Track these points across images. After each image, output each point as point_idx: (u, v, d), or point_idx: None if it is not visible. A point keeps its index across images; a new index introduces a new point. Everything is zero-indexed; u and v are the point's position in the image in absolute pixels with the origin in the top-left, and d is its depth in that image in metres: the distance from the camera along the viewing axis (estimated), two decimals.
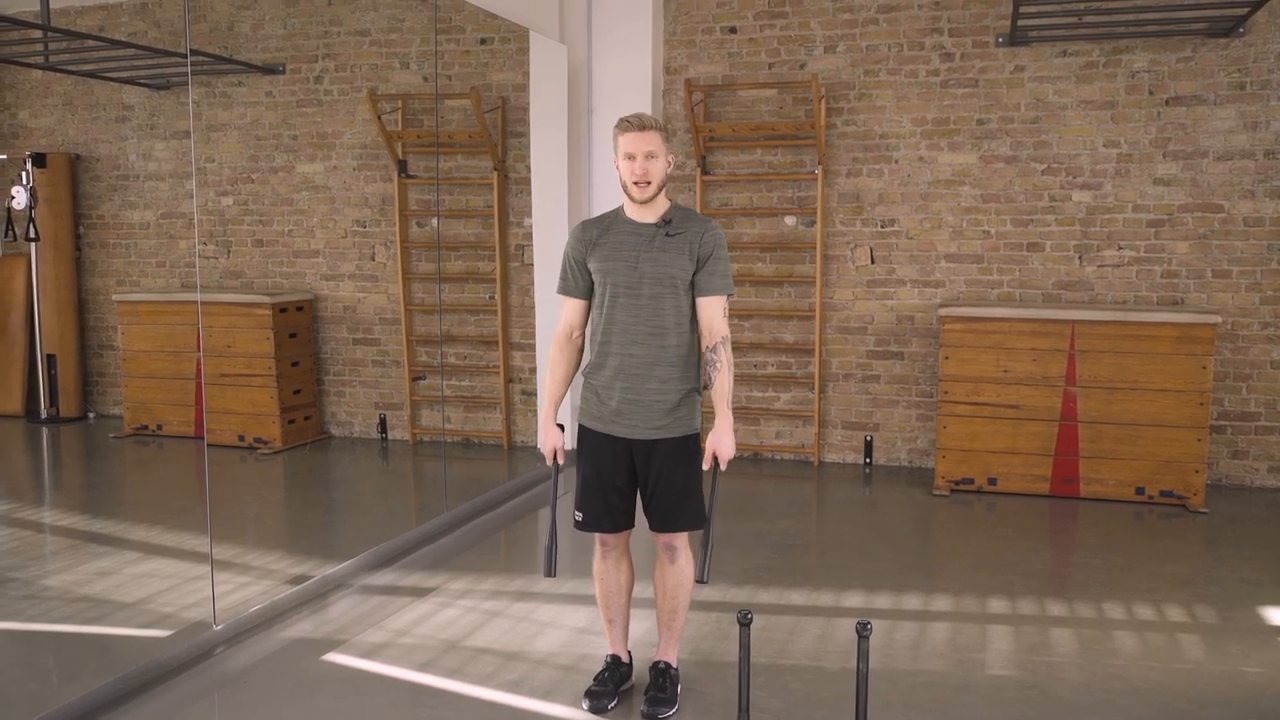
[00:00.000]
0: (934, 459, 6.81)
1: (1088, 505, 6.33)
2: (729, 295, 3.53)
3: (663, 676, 3.71)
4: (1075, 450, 6.38)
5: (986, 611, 4.62)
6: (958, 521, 6.15)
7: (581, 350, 3.67)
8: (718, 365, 3.45)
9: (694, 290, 3.51)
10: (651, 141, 3.44)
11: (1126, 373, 6.26)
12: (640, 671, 3.89)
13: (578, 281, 3.60)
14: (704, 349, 3.52)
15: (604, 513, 3.63)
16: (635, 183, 3.45)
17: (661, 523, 3.61)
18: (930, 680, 3.92)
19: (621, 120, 3.50)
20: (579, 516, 3.66)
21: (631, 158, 3.44)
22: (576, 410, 3.73)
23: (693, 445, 3.63)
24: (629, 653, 3.88)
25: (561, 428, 3.62)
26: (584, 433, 3.66)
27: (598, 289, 3.55)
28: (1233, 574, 5.13)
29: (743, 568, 5.18)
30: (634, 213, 3.53)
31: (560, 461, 3.63)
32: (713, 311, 3.49)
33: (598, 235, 3.55)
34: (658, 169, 3.45)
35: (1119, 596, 4.78)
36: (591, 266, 3.55)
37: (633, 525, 3.70)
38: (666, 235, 3.48)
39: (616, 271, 3.49)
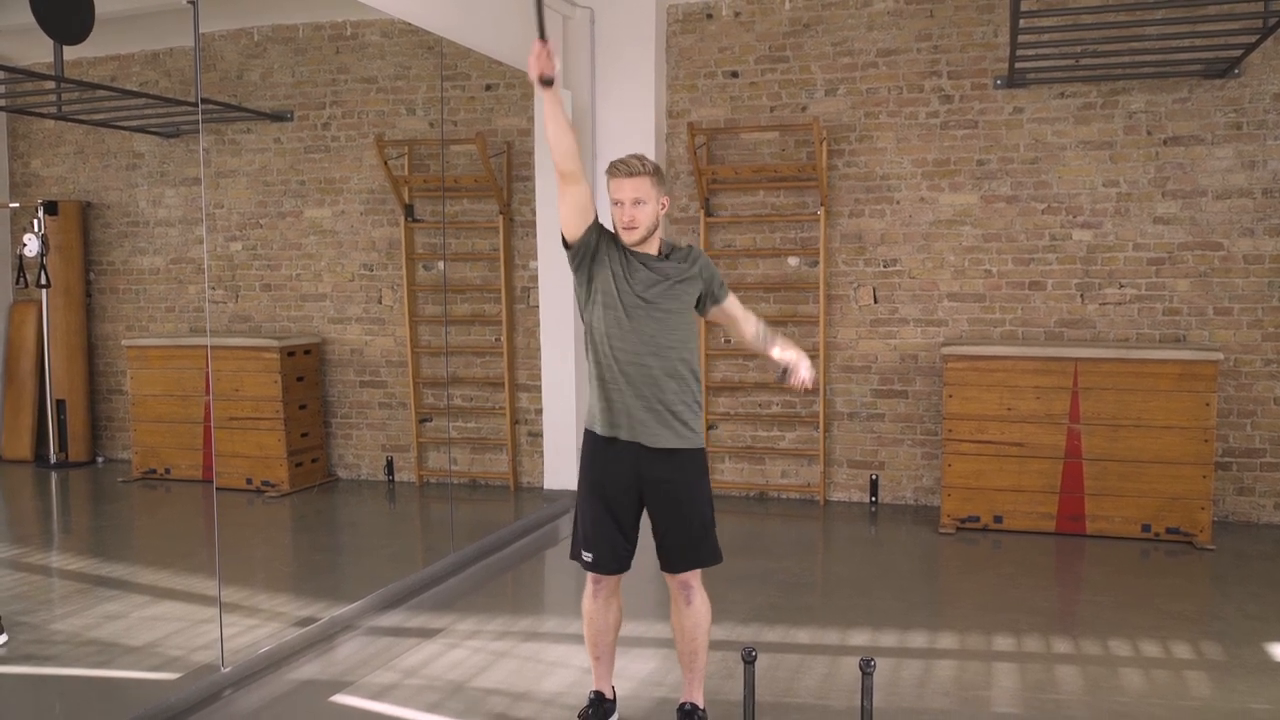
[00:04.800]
0: (939, 497, 6.83)
1: (1094, 542, 6.32)
2: None
3: (689, 718, 3.72)
4: (1081, 487, 6.38)
5: (992, 649, 4.62)
6: (963, 559, 6.15)
7: (572, 140, 3.42)
8: (770, 331, 3.75)
9: (709, 303, 3.65)
10: (639, 188, 3.43)
11: (1130, 410, 6.28)
12: (645, 710, 3.90)
13: (591, 228, 3.50)
14: (752, 329, 3.74)
15: (610, 555, 3.61)
16: (624, 228, 3.47)
17: (680, 560, 3.59)
18: (936, 719, 3.92)
19: (611, 165, 3.50)
20: (589, 558, 3.62)
21: (619, 204, 3.45)
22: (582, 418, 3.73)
23: (704, 468, 3.64)
24: (613, 689, 3.91)
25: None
26: (590, 443, 3.63)
27: (604, 295, 3.48)
28: (1240, 611, 5.12)
29: (749, 606, 5.18)
30: (632, 248, 3.54)
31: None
32: (737, 306, 3.76)
33: (611, 241, 3.54)
34: (644, 215, 3.45)
35: (1125, 634, 4.77)
36: (599, 270, 3.50)
37: (628, 568, 3.69)
38: (675, 263, 3.54)
39: (636, 297, 3.46)
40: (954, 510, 6.60)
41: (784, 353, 3.62)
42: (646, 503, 3.60)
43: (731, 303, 3.72)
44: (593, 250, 3.52)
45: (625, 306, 3.47)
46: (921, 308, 7.16)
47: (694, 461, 3.59)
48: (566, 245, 3.55)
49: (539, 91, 3.36)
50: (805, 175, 7.24)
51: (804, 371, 3.57)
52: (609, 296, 3.48)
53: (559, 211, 3.54)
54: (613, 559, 3.62)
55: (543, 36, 3.28)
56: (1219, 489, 6.62)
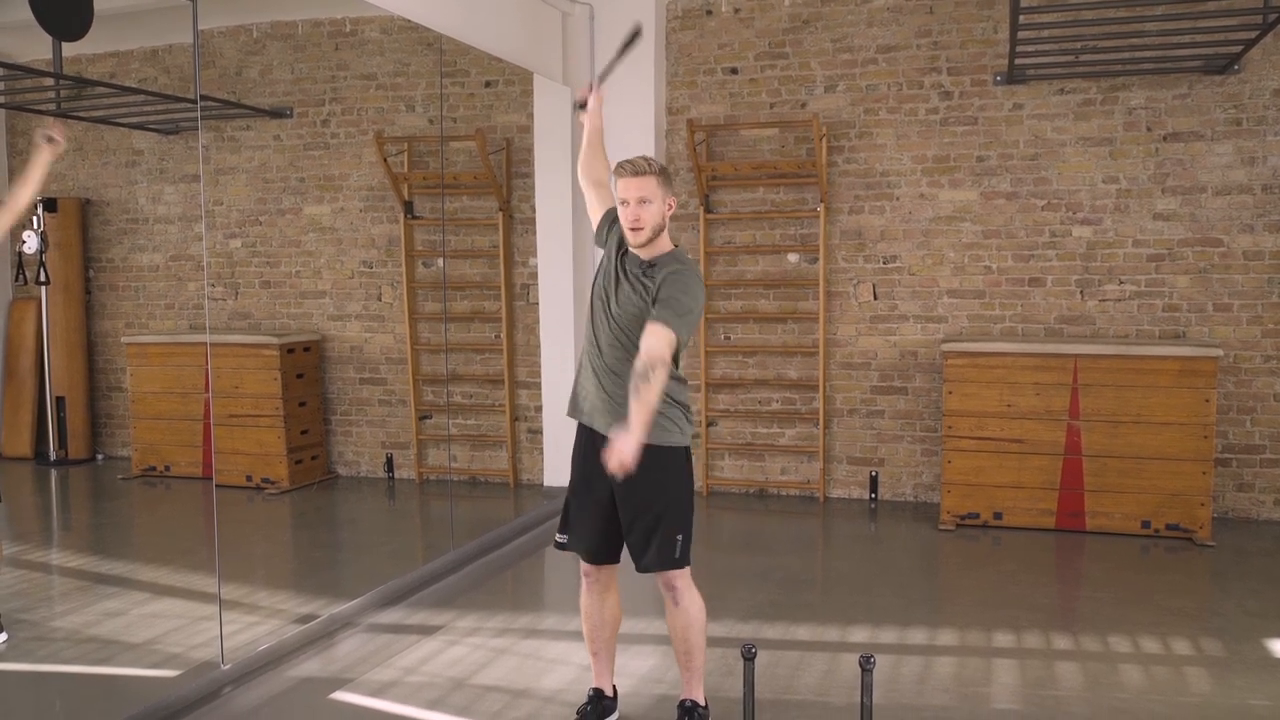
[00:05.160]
0: (939, 494, 6.83)
1: (1093, 539, 6.32)
2: (675, 335, 3.32)
3: (689, 715, 3.72)
4: (1080, 484, 6.38)
5: (992, 646, 4.62)
6: (963, 556, 6.15)
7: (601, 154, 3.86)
8: (645, 379, 3.22)
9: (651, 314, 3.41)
10: (645, 187, 3.44)
11: (1130, 406, 6.28)
12: (645, 707, 3.91)
13: (601, 223, 3.73)
14: (638, 363, 3.28)
15: (582, 533, 3.65)
16: (629, 228, 3.47)
17: (637, 559, 3.59)
18: (936, 715, 3.92)
19: (617, 165, 3.53)
20: (562, 539, 3.71)
21: (625, 203, 3.46)
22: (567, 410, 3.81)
23: (673, 467, 3.52)
24: (614, 686, 3.91)
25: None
26: (577, 433, 3.72)
27: (595, 283, 3.66)
28: (1239, 607, 5.12)
29: (748, 603, 5.18)
30: (636, 249, 3.55)
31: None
32: (646, 335, 3.30)
33: (616, 234, 3.62)
34: (650, 214, 3.45)
35: (1125, 630, 4.77)
36: (604, 242, 3.68)
37: (616, 561, 3.69)
38: (643, 275, 3.49)
39: (601, 290, 3.59)
40: (954, 507, 6.60)
41: (633, 418, 3.22)
42: (613, 485, 3.55)
43: (647, 331, 3.32)
44: (604, 242, 3.70)
45: (594, 296, 3.62)
46: (921, 304, 7.15)
47: (657, 458, 3.46)
48: None
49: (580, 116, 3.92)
50: (805, 172, 7.23)
51: (618, 454, 3.16)
52: (595, 284, 3.64)
53: None
54: (583, 540, 3.66)
55: (599, 83, 3.95)
56: (1219, 485, 6.62)
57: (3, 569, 5.88)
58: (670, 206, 3.53)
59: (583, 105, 3.89)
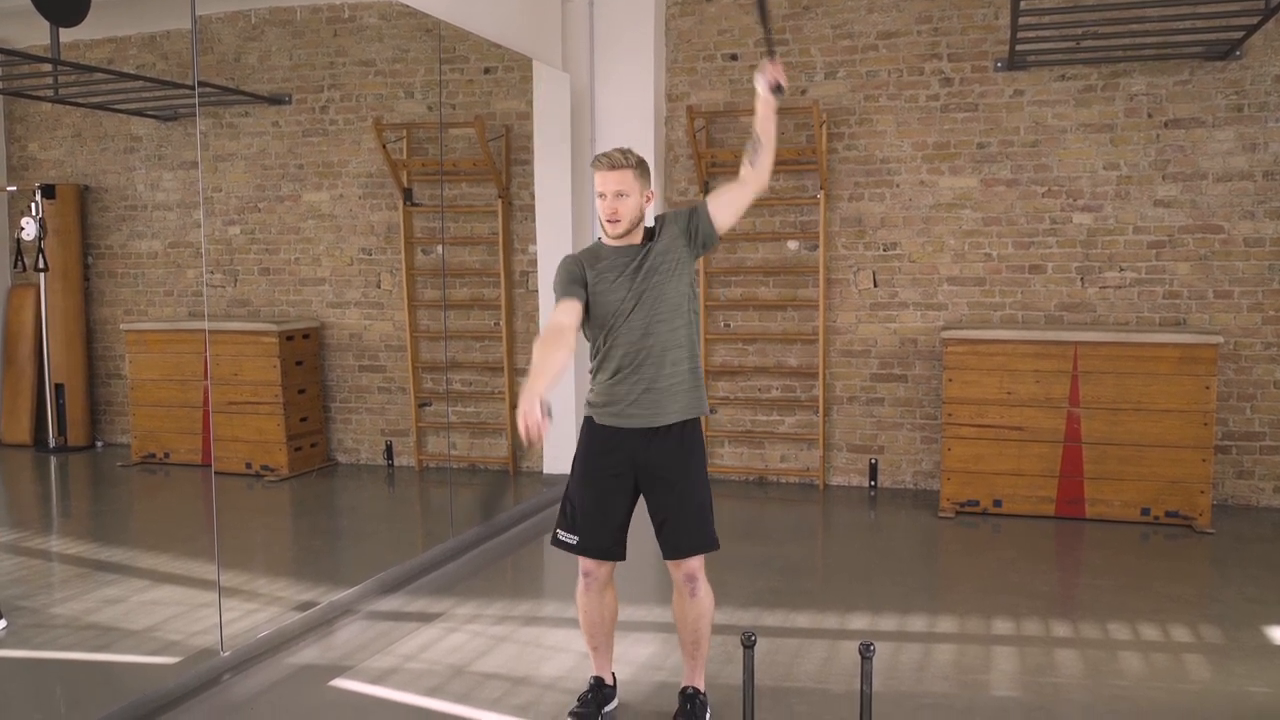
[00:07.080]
0: (939, 481, 6.83)
1: (1093, 526, 6.32)
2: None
3: (691, 702, 3.71)
4: (1080, 471, 6.38)
5: (991, 633, 4.62)
6: (963, 543, 6.15)
7: (572, 349, 3.41)
8: (755, 137, 3.46)
9: (705, 230, 3.51)
10: (622, 180, 3.43)
11: (1130, 394, 6.27)
12: (645, 694, 3.91)
13: (578, 290, 3.49)
14: (757, 152, 3.46)
15: (597, 532, 3.58)
16: (607, 220, 3.46)
17: (679, 545, 3.56)
18: (935, 702, 3.92)
19: (595, 158, 3.51)
20: (571, 540, 3.61)
21: (602, 196, 3.45)
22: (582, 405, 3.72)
23: (700, 447, 3.61)
24: (613, 675, 3.92)
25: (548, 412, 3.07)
26: (589, 431, 3.63)
27: (595, 321, 3.53)
28: (1239, 594, 5.12)
29: (748, 591, 5.18)
30: (616, 241, 3.53)
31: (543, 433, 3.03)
32: (734, 182, 3.53)
33: (589, 265, 3.54)
34: (627, 207, 3.44)
35: (1124, 617, 4.77)
36: (582, 283, 3.52)
37: (623, 557, 3.68)
38: (651, 251, 3.48)
39: (613, 302, 3.48)
40: (953, 494, 6.59)
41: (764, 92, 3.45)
42: (640, 478, 3.58)
43: (724, 190, 3.55)
44: (582, 282, 3.53)
45: (607, 308, 3.49)
46: (921, 291, 7.14)
47: (697, 431, 3.60)
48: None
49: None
50: (805, 159, 7.21)
51: (766, 75, 3.41)
52: (603, 299, 3.50)
53: None
54: (605, 542, 3.63)
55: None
56: (1218, 472, 6.62)
57: None
58: (648, 199, 3.52)
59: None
